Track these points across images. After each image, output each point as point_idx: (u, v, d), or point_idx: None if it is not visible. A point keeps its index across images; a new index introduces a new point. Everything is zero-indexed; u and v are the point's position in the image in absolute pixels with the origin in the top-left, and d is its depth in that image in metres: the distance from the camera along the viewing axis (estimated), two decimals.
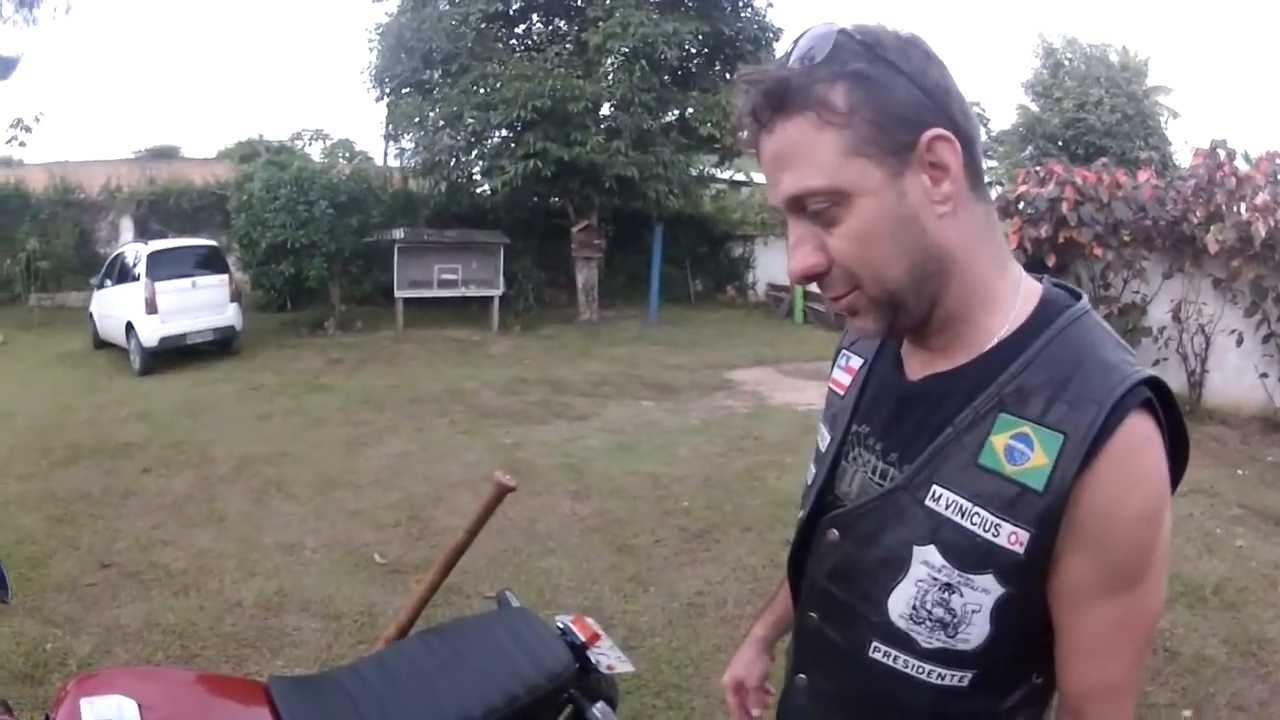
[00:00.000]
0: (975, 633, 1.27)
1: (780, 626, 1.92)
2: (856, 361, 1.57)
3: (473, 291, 19.00)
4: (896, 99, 1.18)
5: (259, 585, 5.97)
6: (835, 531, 1.44)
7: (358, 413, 11.05)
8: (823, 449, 1.57)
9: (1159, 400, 1.21)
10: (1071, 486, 1.16)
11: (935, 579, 1.27)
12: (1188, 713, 4.43)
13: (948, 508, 1.26)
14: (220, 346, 15.60)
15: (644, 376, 13.59)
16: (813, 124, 1.18)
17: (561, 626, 3.14)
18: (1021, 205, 11.87)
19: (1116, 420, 1.16)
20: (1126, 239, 11.18)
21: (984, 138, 32.70)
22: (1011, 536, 1.20)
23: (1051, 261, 11.59)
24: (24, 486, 8.06)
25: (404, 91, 20.13)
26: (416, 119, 19.29)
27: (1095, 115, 29.27)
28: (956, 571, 1.25)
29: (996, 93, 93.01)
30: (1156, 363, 11.14)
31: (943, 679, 1.32)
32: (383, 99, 21.23)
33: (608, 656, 3.07)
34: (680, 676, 4.72)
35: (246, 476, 8.38)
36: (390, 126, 21.71)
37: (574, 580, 5.98)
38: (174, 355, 14.71)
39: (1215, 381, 10.93)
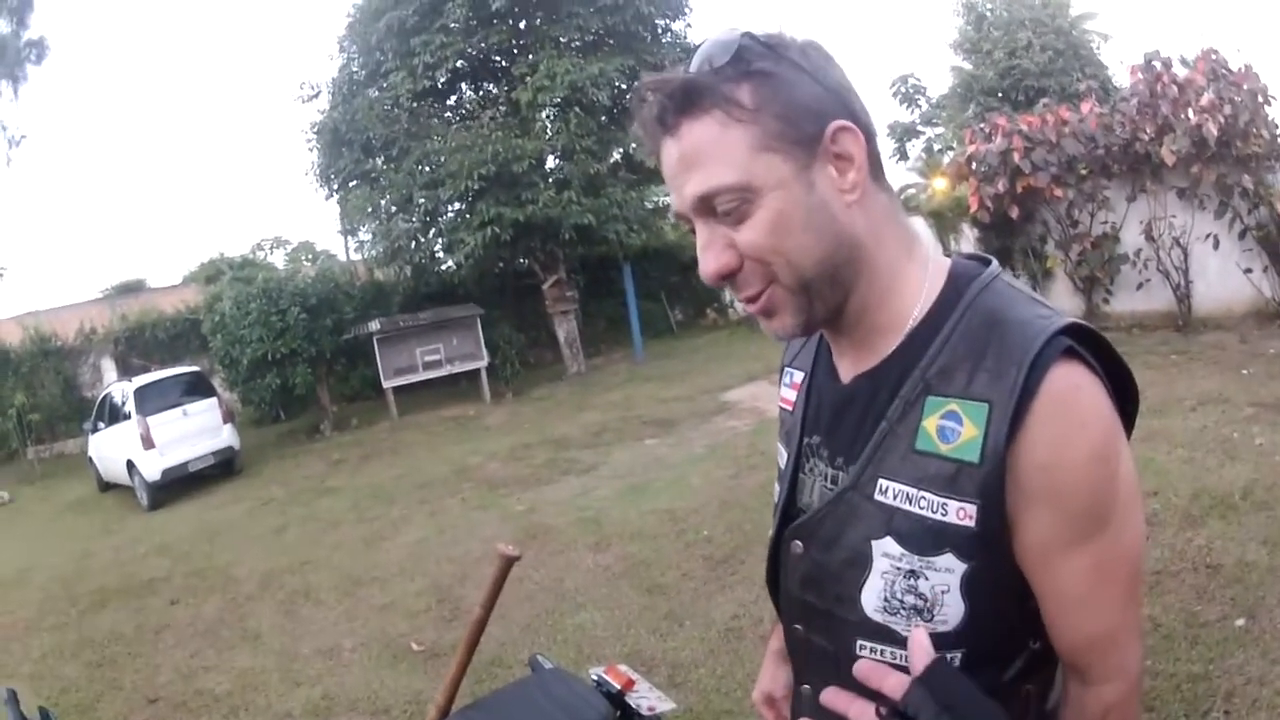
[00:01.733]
0: (951, 612, 1.27)
1: None
2: (799, 376, 1.59)
3: (458, 368, 19.04)
4: (801, 94, 1.22)
5: (305, 694, 6.01)
6: (799, 543, 1.46)
7: (370, 508, 11.06)
8: (782, 466, 1.59)
9: (1087, 343, 1.21)
10: (1006, 450, 1.17)
11: (899, 568, 1.28)
12: (1241, 621, 4.43)
13: (895, 498, 1.27)
14: (223, 469, 15.62)
15: (642, 415, 13.62)
16: (720, 123, 1.19)
17: (596, 678, 3.17)
18: (974, 165, 11.97)
19: (1039, 376, 1.16)
20: (1084, 173, 11.27)
21: (924, 106, 32.72)
22: (960, 512, 1.21)
23: (1015, 214, 11.72)
24: (59, 637, 8.11)
25: (351, 185, 20.16)
26: (369, 209, 19.33)
27: (1028, 58, 29.11)
28: (916, 557, 1.26)
29: (928, 59, 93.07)
30: (1140, 286, 11.27)
31: None
32: (332, 196, 21.30)
33: (647, 699, 3.10)
34: (731, 702, 4.72)
35: (273, 590, 8.40)
36: (345, 221, 21.78)
37: (609, 630, 5.99)
38: (179, 485, 14.73)
39: (1201, 290, 11.03)
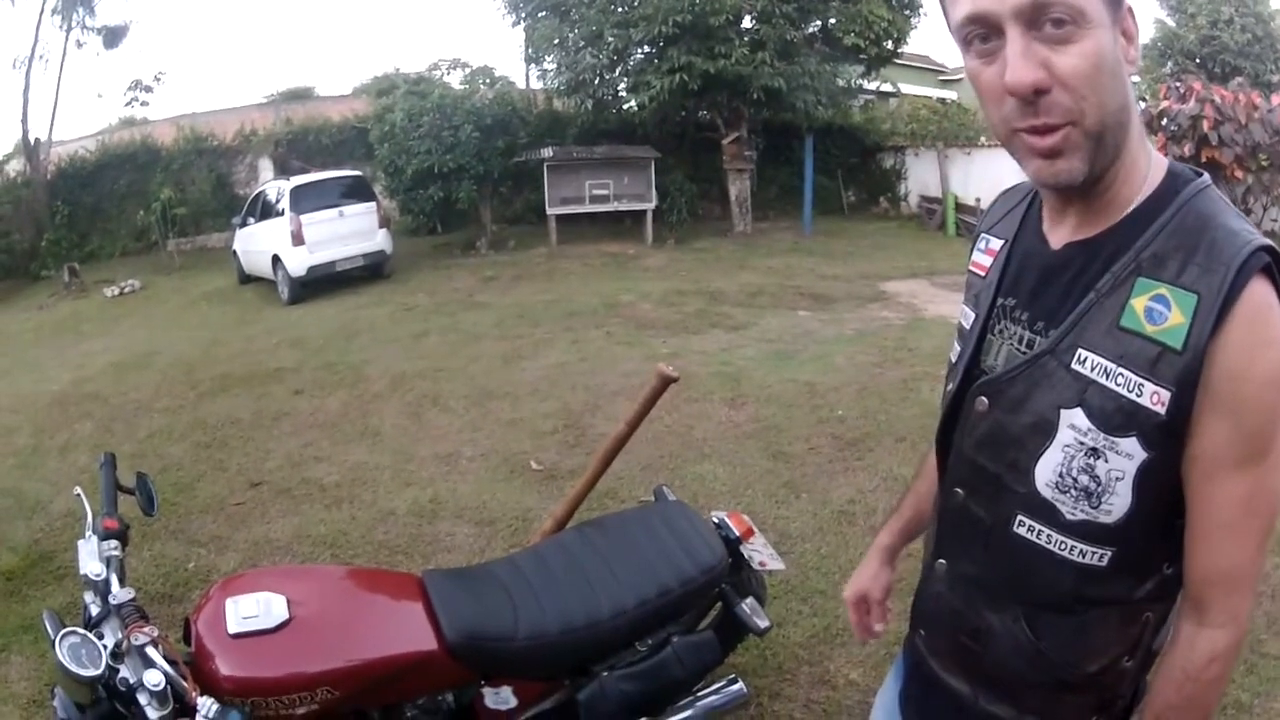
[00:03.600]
0: (1118, 503, 1.31)
1: (907, 533, 1.99)
2: (996, 243, 1.60)
3: (625, 206, 18.91)
4: None
5: (413, 495, 6.01)
6: (984, 400, 1.47)
7: (513, 327, 11.06)
8: (967, 326, 1.60)
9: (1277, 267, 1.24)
10: (1207, 345, 1.21)
11: (1082, 443, 1.31)
12: None
13: (1093, 370, 1.31)
14: (371, 272, 15.75)
15: (799, 287, 13.38)
16: None
17: (717, 521, 3.12)
18: (1165, 121, 11.51)
19: (1243, 282, 1.20)
20: (1264, 163, 10.79)
21: None
22: (1154, 396, 1.25)
23: None
24: (170, 418, 8.18)
25: (540, 15, 19.84)
26: (556, 41, 19.07)
27: (1228, 34, 28.29)
28: (1102, 435, 1.29)
29: (1134, 3, 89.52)
30: None
31: (1084, 556, 1.37)
32: (519, 23, 21.04)
33: (760, 553, 3.05)
34: (828, 583, 4.63)
35: (402, 393, 8.43)
36: (530, 50, 21.59)
37: (728, 485, 5.91)
38: (324, 284, 14.92)
39: None
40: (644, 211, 18.91)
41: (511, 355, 9.68)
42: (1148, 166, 1.35)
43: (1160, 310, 1.25)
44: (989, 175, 17.23)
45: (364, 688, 2.38)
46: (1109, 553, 1.35)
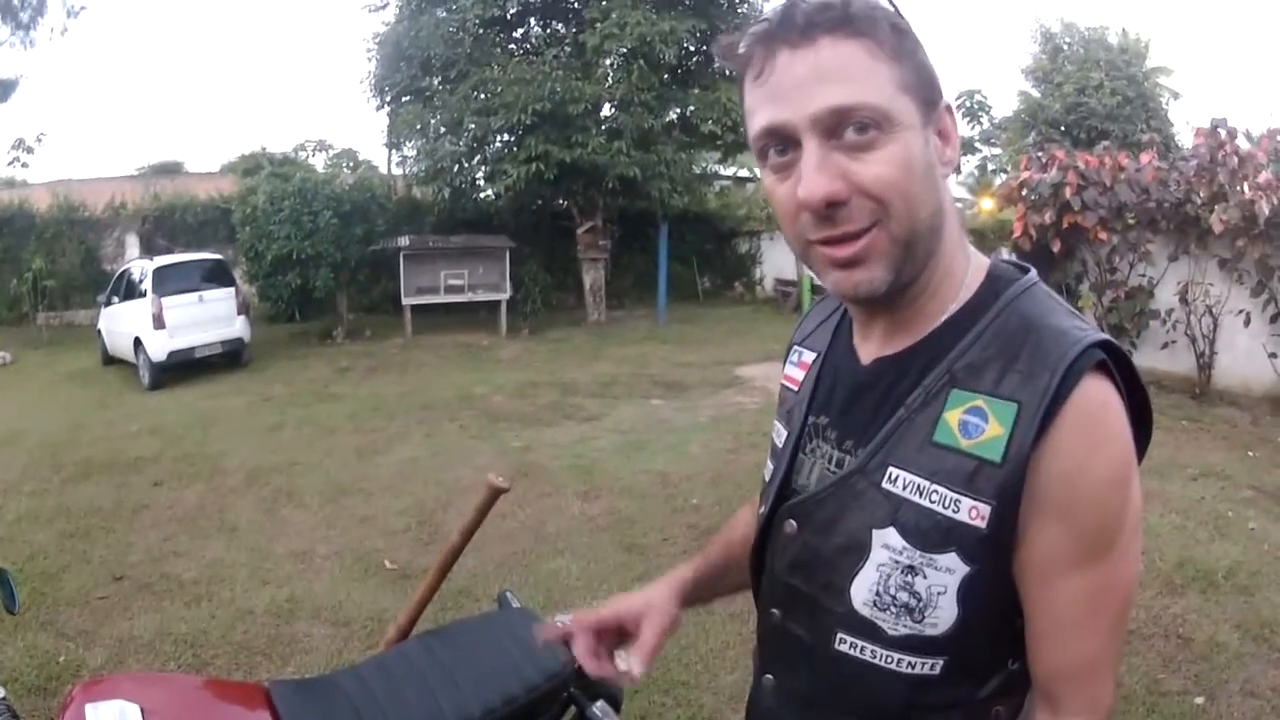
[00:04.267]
0: (943, 616, 1.23)
1: (711, 579, 1.88)
2: (809, 355, 1.55)
3: (480, 296, 19.00)
4: (927, 62, 1.22)
5: (270, 593, 5.99)
6: (793, 522, 1.41)
7: (368, 420, 11.04)
8: (779, 444, 1.54)
9: (1115, 363, 1.19)
10: (1030, 454, 1.14)
11: (897, 562, 1.24)
12: (1200, 699, 4.38)
13: (905, 489, 1.23)
14: (229, 359, 15.64)
15: (654, 375, 13.53)
16: (868, 51, 1.15)
17: (562, 625, 3.13)
18: (1025, 191, 11.87)
19: (1071, 383, 1.14)
20: (1131, 222, 11.17)
21: (986, 125, 32.65)
22: (973, 511, 1.17)
23: (1056, 247, 11.61)
24: (36, 502, 8.08)
25: (404, 100, 20.17)
26: (418, 126, 19.34)
27: (1096, 99, 28.93)
28: (918, 552, 1.22)
29: (997, 79, 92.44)
30: (1165, 345, 11.17)
31: (914, 667, 1.28)
32: (383, 108, 21.31)
33: None
34: (689, 674, 4.68)
35: (257, 487, 8.39)
36: (392, 135, 21.68)
37: (582, 580, 5.97)
38: (183, 369, 14.74)
39: (1225, 363, 10.87)
40: (499, 301, 19.02)
41: (365, 449, 9.67)
42: (965, 270, 1.30)
43: (976, 423, 1.18)
44: None
45: None
46: (941, 661, 1.26)
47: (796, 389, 1.54)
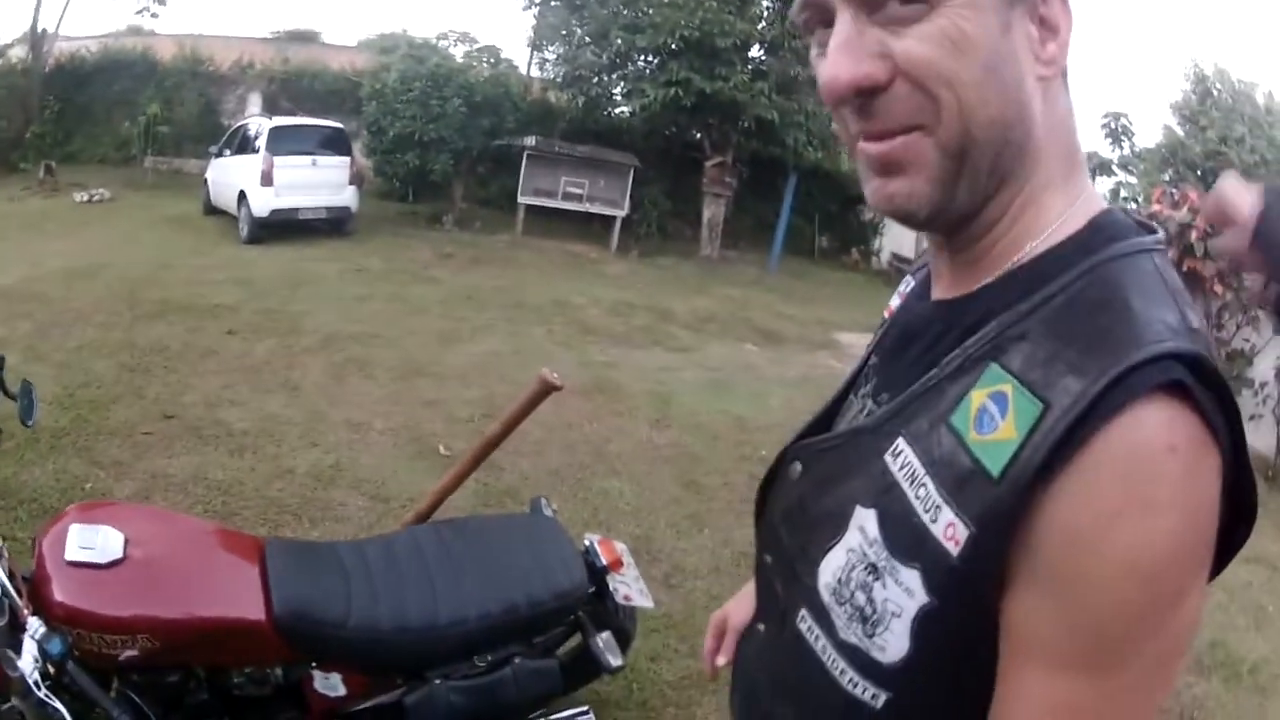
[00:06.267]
0: (893, 643, 0.95)
1: None
2: (910, 285, 1.29)
3: (596, 209, 18.79)
4: None
5: (316, 456, 5.94)
6: (798, 465, 1.20)
7: (458, 308, 10.97)
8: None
9: (1206, 396, 0.84)
10: (1033, 484, 0.83)
11: (864, 554, 0.98)
12: None
13: (902, 469, 0.96)
14: (333, 226, 15.59)
15: (752, 320, 13.29)
16: None
17: (587, 545, 3.02)
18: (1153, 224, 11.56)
19: (1119, 401, 0.80)
20: (1247, 283, 10.77)
21: (1126, 150, 32.02)
22: (949, 528, 0.88)
23: None
24: (103, 334, 8.09)
25: (553, 3, 19.95)
26: (563, 32, 19.18)
27: (1236, 152, 28.09)
28: (885, 552, 0.95)
29: (1142, 109, 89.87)
30: (1252, 418, 10.68)
31: (855, 687, 1.00)
32: (530, 8, 21.10)
33: (628, 587, 2.93)
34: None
35: (330, 352, 8.34)
36: (536, 36, 21.56)
37: (632, 506, 5.83)
38: (284, 229, 14.72)
39: None
40: (614, 218, 18.77)
41: (448, 335, 9.59)
42: (1065, 210, 0.98)
43: (994, 414, 0.88)
44: None
45: (184, 643, 2.34)
46: (884, 696, 0.97)
47: (887, 319, 1.30)
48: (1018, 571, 0.85)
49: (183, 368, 7.39)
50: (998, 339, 0.92)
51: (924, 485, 0.92)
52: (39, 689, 2.00)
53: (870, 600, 0.96)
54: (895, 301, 1.32)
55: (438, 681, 2.59)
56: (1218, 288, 10.90)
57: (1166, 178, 27.49)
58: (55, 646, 2.05)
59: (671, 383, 8.92)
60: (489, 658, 2.65)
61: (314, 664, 2.61)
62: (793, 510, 1.18)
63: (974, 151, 0.91)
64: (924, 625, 0.92)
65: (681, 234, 20.69)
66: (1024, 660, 0.86)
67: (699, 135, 19.73)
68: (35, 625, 2.07)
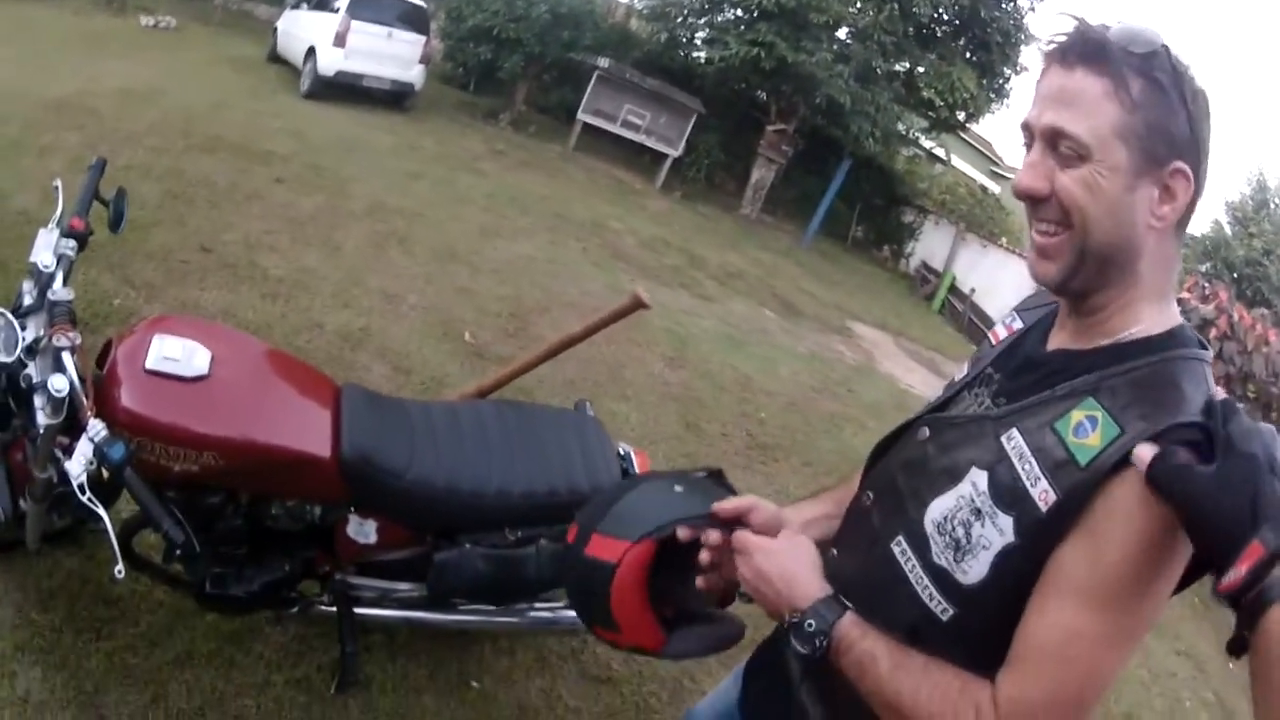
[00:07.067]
0: (975, 568, 1.38)
1: (817, 523, 1.85)
2: (1019, 324, 1.70)
3: (651, 143, 18.86)
4: (1173, 123, 1.33)
5: (347, 317, 6.06)
6: (927, 430, 1.60)
7: (502, 206, 11.09)
8: (957, 378, 1.71)
9: (1210, 448, 1.24)
10: (1107, 476, 1.26)
11: (972, 501, 1.40)
12: None
13: (1013, 450, 1.39)
14: (393, 99, 15.65)
15: (776, 288, 13.46)
16: (1106, 91, 1.31)
17: (623, 452, 3.17)
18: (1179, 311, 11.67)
19: (1165, 440, 1.23)
20: (1250, 394, 10.93)
21: None
22: (1044, 494, 1.31)
23: None
24: (153, 158, 8.10)
25: None
26: None
27: (1275, 268, 28.30)
28: (990, 502, 1.38)
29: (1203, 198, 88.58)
30: None
31: (931, 600, 1.44)
32: None
33: None
34: None
35: (375, 220, 8.47)
36: None
37: (637, 432, 6.00)
38: (344, 91, 14.76)
39: None
40: (666, 155, 18.84)
41: (489, 230, 9.72)
42: (1155, 317, 1.42)
43: (1087, 427, 1.33)
44: (994, 274, 17.62)
45: (247, 467, 2.42)
46: (952, 611, 1.41)
47: (995, 344, 1.71)
48: (1076, 529, 1.28)
49: (227, 206, 7.46)
50: (1098, 383, 1.37)
51: (1029, 462, 1.35)
52: (83, 493, 2.02)
53: (968, 535, 1.40)
54: (1001, 331, 1.74)
55: (467, 545, 2.72)
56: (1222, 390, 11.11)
57: (1204, 269, 27.55)
58: (117, 451, 2.02)
59: (691, 327, 9.10)
60: (519, 533, 2.78)
61: (353, 508, 2.71)
62: (914, 461, 1.58)
63: (1092, 258, 1.38)
64: (1003, 558, 1.35)
65: (726, 187, 20.77)
66: (1052, 590, 1.30)
67: (767, 98, 19.79)
68: (97, 428, 2.05)
